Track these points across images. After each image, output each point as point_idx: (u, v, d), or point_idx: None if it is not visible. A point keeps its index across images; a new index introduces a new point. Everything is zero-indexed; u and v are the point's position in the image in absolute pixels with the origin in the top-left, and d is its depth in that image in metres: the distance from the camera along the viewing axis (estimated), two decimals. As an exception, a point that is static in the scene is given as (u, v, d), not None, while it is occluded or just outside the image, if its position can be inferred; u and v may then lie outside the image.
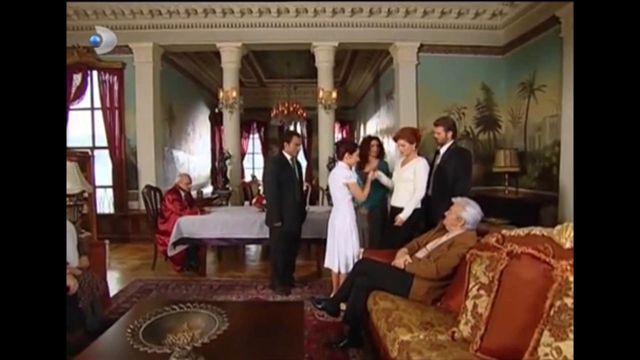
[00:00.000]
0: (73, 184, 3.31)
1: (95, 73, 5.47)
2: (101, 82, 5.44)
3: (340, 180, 3.03)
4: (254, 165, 11.50)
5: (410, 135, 3.18)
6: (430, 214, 3.15)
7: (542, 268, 1.49)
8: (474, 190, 5.28)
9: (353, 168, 3.20)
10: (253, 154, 11.49)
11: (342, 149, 3.11)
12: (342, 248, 3.03)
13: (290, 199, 3.36)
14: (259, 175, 10.67)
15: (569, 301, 1.29)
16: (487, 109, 5.67)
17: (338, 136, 10.96)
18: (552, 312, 1.32)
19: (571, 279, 1.32)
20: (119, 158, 5.51)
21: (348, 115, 10.98)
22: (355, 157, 3.10)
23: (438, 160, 3.23)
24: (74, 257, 2.63)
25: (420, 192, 3.07)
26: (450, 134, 3.19)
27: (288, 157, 3.42)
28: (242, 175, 9.90)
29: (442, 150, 3.23)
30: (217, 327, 1.57)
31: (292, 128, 10.54)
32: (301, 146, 3.65)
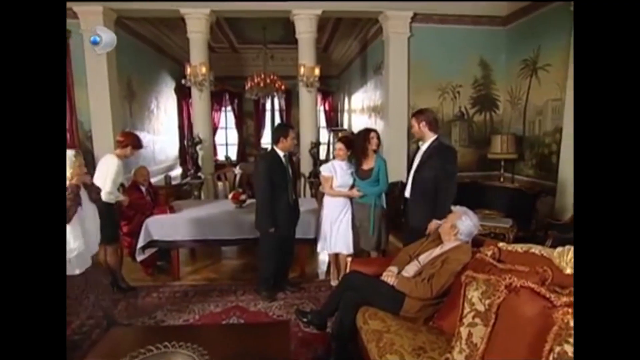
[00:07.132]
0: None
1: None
2: (44, 55, 5.05)
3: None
4: (227, 142, 11.27)
5: None
6: (407, 216, 3.15)
7: (542, 305, 1.54)
8: (468, 176, 5.48)
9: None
10: (226, 128, 11.21)
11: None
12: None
13: (284, 200, 3.33)
14: (233, 156, 10.55)
15: (569, 349, 1.35)
16: (484, 87, 5.67)
17: (320, 109, 10.80)
18: (551, 358, 1.40)
19: (572, 323, 1.39)
20: (70, 144, 5.24)
21: (331, 85, 10.76)
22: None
23: (417, 158, 3.10)
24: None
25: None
26: (426, 128, 3.04)
27: (281, 154, 3.37)
28: (215, 153, 9.70)
29: (424, 147, 3.08)
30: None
31: (269, 101, 10.31)
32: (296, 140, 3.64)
